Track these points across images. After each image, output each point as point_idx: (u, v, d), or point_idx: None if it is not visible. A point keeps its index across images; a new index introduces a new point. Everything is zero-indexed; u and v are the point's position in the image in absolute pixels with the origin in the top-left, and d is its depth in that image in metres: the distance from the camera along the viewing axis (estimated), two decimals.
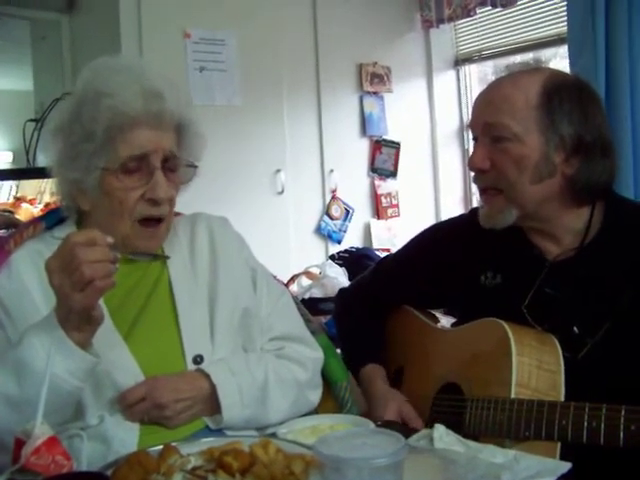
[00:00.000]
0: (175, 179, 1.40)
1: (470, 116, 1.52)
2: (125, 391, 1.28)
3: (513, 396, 1.32)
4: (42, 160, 3.71)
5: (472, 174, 1.51)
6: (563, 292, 1.42)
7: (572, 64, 3.12)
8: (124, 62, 1.43)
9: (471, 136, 1.52)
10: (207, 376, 1.33)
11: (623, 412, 1.18)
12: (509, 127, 1.40)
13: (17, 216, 3.25)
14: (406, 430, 1.25)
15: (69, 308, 1.15)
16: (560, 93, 1.40)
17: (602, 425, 1.19)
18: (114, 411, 1.28)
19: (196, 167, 1.45)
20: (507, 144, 1.41)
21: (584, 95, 1.43)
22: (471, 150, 1.50)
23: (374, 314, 1.75)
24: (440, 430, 1.21)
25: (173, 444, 1.06)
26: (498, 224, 1.47)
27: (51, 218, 1.48)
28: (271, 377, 1.41)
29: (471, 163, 1.47)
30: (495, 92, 1.46)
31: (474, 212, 1.58)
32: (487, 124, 1.44)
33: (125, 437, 1.26)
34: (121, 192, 1.33)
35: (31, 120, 3.68)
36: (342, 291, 1.92)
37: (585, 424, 1.21)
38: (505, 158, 1.41)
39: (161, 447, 1.05)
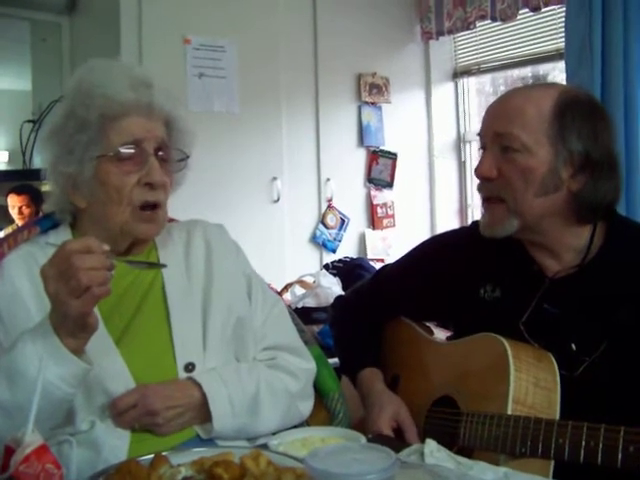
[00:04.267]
0: (167, 168, 1.42)
1: (480, 125, 1.51)
2: (116, 398, 1.27)
3: (509, 412, 1.32)
4: (38, 162, 3.71)
5: (477, 182, 1.50)
6: (561, 309, 1.42)
7: (569, 79, 3.15)
8: (115, 62, 1.48)
9: (477, 145, 1.51)
10: (198, 385, 1.33)
11: (622, 433, 1.17)
12: (519, 138, 1.40)
13: None
14: (397, 444, 1.25)
15: (65, 315, 1.14)
16: (573, 109, 1.40)
17: (600, 445, 1.18)
18: (105, 417, 1.27)
19: (187, 157, 1.47)
20: (516, 155, 1.40)
21: (596, 114, 1.43)
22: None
23: (372, 322, 1.74)
24: (431, 445, 1.20)
25: (164, 454, 1.05)
26: (498, 233, 1.47)
27: (46, 223, 1.47)
28: (262, 387, 1.40)
29: (478, 171, 1.47)
30: (507, 103, 1.46)
31: (475, 224, 1.58)
32: (497, 134, 1.43)
33: (115, 444, 1.25)
34: (117, 178, 1.35)
35: (28, 121, 3.68)
36: (339, 298, 1.92)
37: (583, 443, 1.20)
38: (512, 168, 1.41)
39: (152, 456, 1.04)
